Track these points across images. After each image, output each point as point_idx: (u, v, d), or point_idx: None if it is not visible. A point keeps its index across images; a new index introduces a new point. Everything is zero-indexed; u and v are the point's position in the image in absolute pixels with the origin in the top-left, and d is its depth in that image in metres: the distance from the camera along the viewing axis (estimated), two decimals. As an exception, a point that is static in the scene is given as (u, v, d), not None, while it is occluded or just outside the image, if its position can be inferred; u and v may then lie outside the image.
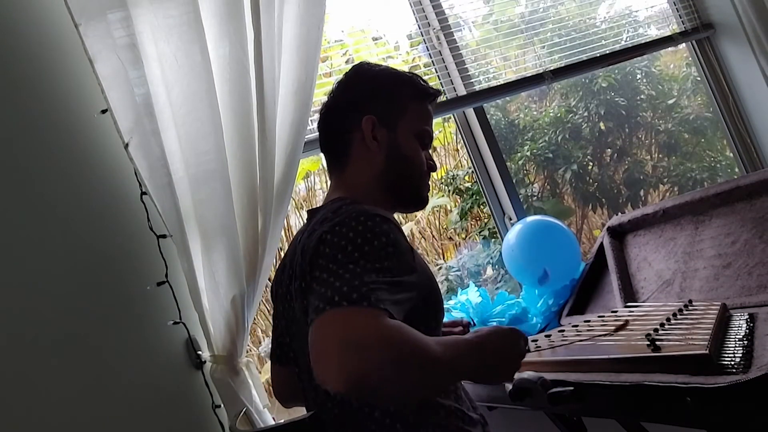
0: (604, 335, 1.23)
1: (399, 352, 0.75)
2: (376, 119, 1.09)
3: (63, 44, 1.39)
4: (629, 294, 1.58)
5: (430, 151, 1.20)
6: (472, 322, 1.28)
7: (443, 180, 3.04)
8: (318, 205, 1.14)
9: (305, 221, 1.15)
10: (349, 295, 0.78)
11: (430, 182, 1.18)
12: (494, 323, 1.66)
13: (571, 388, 1.01)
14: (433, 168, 1.17)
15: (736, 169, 2.45)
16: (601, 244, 1.78)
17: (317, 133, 1.19)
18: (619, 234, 1.77)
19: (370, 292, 0.79)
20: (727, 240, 1.41)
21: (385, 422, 0.94)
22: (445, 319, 1.29)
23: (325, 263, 0.86)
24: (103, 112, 1.35)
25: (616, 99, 3.07)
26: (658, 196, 3.17)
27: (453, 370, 0.86)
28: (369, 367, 0.72)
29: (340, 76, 1.19)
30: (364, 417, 0.95)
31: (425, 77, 2.06)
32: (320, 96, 1.85)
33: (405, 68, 2.24)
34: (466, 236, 3.06)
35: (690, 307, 1.25)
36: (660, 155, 3.25)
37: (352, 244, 0.87)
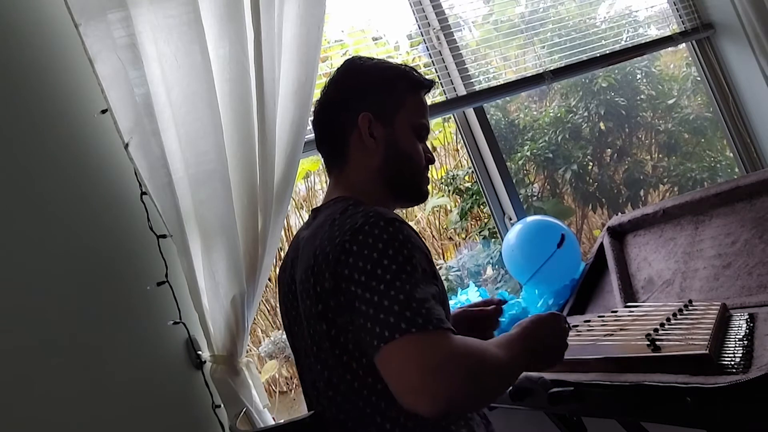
0: (604, 335, 1.23)
1: (474, 367, 0.82)
2: (372, 116, 1.08)
3: (63, 44, 1.39)
4: (629, 294, 1.58)
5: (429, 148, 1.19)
6: (503, 301, 1.28)
7: (443, 180, 3.04)
8: (320, 204, 1.13)
9: (309, 219, 1.15)
10: (414, 320, 0.81)
11: (429, 176, 1.17)
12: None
13: (571, 388, 1.01)
14: (431, 161, 1.16)
15: (736, 169, 2.45)
16: (601, 244, 1.78)
17: (315, 132, 1.18)
18: (619, 234, 1.77)
19: (430, 313, 0.82)
20: (727, 240, 1.41)
21: (385, 426, 0.94)
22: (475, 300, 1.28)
23: (365, 280, 0.86)
24: (103, 112, 1.35)
25: (616, 99, 3.06)
26: (658, 196, 3.17)
27: (514, 369, 0.93)
28: (455, 389, 0.78)
29: (333, 72, 1.16)
30: (365, 419, 0.95)
31: (425, 77, 2.05)
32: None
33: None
34: (466, 236, 3.06)
35: (690, 307, 1.25)
36: (660, 155, 3.25)
37: (386, 257, 0.87)
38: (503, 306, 1.28)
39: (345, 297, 0.89)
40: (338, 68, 1.16)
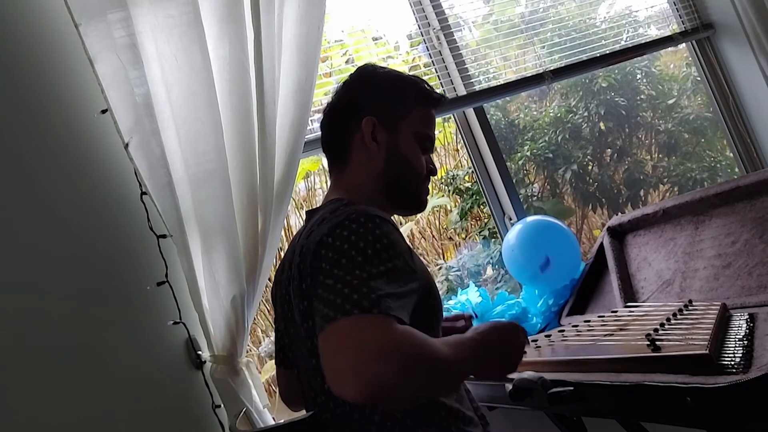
0: (604, 335, 1.23)
1: (411, 358, 0.78)
2: (376, 120, 1.10)
3: (63, 44, 1.39)
4: (629, 294, 1.58)
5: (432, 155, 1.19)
6: (474, 315, 1.29)
7: (443, 180, 3.04)
8: (317, 206, 1.14)
9: (305, 221, 1.15)
10: (360, 303, 0.79)
11: (429, 186, 1.18)
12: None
13: (571, 388, 1.01)
14: (434, 172, 1.17)
15: (736, 169, 2.45)
16: (601, 244, 1.78)
17: (317, 133, 1.19)
18: (619, 234, 1.77)
19: (380, 299, 0.80)
20: (727, 240, 1.41)
21: (386, 425, 0.94)
22: (446, 314, 1.30)
23: (329, 268, 0.86)
24: (103, 112, 1.35)
25: (616, 99, 3.07)
26: (658, 196, 3.17)
27: (460, 370, 0.90)
28: (385, 375, 0.74)
29: (344, 76, 1.19)
30: (364, 419, 0.95)
31: (425, 77, 2.06)
32: (320, 96, 1.85)
33: (405, 68, 2.24)
34: (466, 236, 3.06)
35: (690, 307, 1.25)
36: (660, 155, 3.25)
37: (355, 248, 0.87)
38: (473, 321, 1.29)
39: (315, 287, 0.88)
40: (352, 73, 1.18)
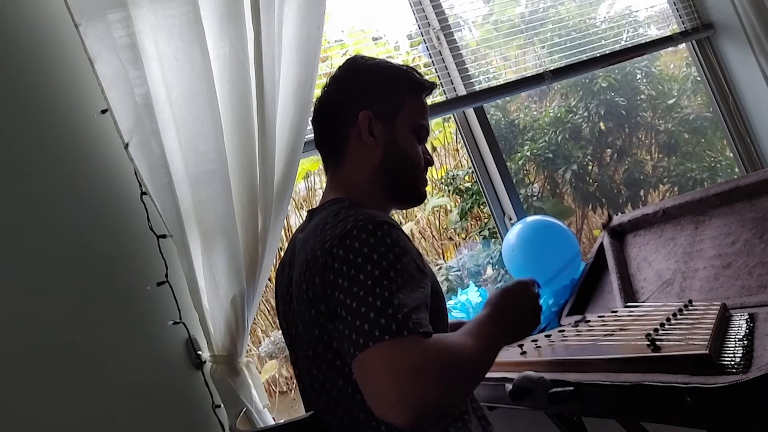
0: (604, 335, 1.23)
1: (448, 368, 0.80)
2: (372, 114, 1.08)
3: (63, 44, 1.39)
4: (629, 294, 1.58)
5: (429, 148, 1.18)
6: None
7: (443, 180, 3.04)
8: (317, 206, 1.13)
9: (305, 221, 1.15)
10: (389, 327, 0.79)
11: (427, 178, 1.16)
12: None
13: (571, 388, 1.01)
14: (430, 163, 1.15)
15: (736, 169, 2.45)
16: (601, 244, 1.78)
17: (316, 131, 1.18)
18: (619, 234, 1.77)
19: (406, 318, 0.81)
20: (727, 240, 1.41)
21: (381, 429, 0.93)
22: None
23: (348, 286, 0.85)
24: (103, 112, 1.35)
25: (616, 99, 3.07)
26: (658, 196, 3.17)
27: (490, 352, 0.91)
28: (428, 394, 0.76)
29: (334, 71, 1.16)
30: (359, 423, 0.95)
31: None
32: (320, 96, 1.84)
33: (404, 67, 2.24)
34: (466, 236, 3.06)
35: (690, 307, 1.25)
36: (660, 155, 3.25)
37: (370, 262, 0.86)
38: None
39: (331, 303, 0.88)
40: (340, 67, 1.16)
